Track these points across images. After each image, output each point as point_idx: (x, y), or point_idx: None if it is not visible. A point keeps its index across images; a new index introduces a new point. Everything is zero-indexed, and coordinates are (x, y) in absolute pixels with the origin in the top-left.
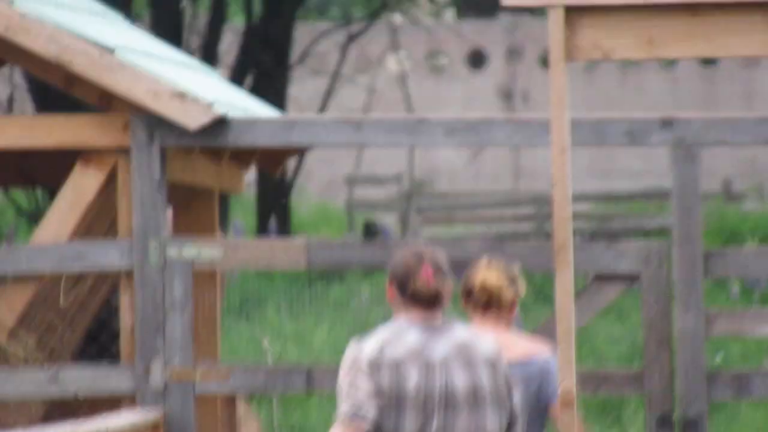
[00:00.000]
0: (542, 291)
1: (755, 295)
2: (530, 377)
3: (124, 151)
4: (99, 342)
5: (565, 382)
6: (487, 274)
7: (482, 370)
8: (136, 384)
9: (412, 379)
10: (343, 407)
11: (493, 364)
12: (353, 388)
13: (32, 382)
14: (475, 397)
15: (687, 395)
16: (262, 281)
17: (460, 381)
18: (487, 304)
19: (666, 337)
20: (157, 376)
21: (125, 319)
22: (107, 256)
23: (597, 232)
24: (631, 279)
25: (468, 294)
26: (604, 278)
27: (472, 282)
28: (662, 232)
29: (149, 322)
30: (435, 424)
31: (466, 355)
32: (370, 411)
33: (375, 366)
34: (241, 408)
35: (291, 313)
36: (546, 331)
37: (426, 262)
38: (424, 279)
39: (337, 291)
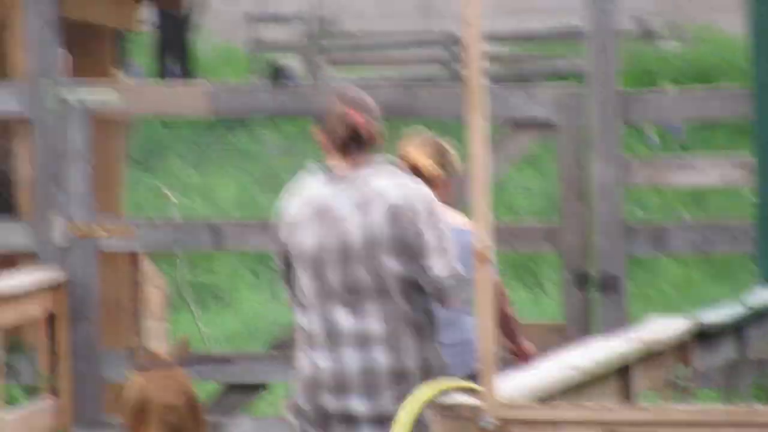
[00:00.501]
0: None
1: (674, 143)
2: (465, 246)
3: None
4: None
5: (481, 237)
6: (416, 153)
7: (384, 217)
8: (35, 241)
9: (310, 234)
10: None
11: (394, 208)
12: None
13: None
14: (373, 246)
15: (605, 251)
16: (163, 129)
17: (358, 232)
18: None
19: (582, 189)
20: (57, 232)
21: (21, 171)
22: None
23: (508, 75)
24: (546, 126)
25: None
26: (516, 125)
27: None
28: (575, 76)
29: (47, 173)
30: (335, 278)
31: (367, 203)
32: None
33: (282, 220)
34: (146, 266)
35: (195, 163)
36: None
37: (347, 99)
38: (348, 119)
39: (242, 140)
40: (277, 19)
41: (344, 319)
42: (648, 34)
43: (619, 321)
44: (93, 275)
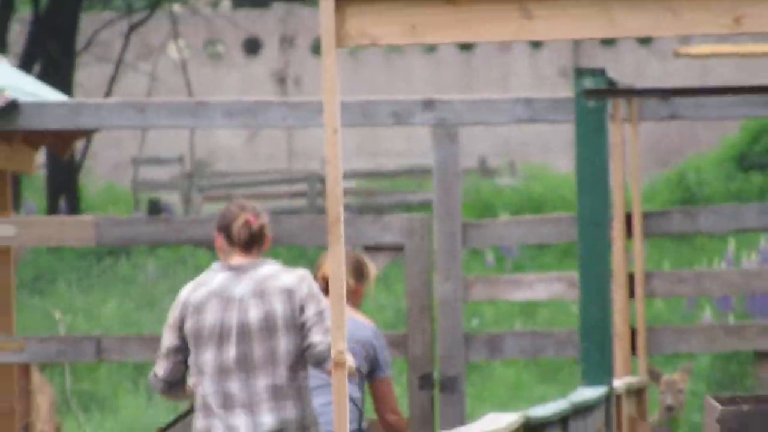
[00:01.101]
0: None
1: (508, 263)
2: (363, 341)
3: None
4: None
5: (338, 346)
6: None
7: (276, 299)
8: None
9: (210, 315)
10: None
11: (289, 293)
12: (161, 347)
13: None
14: (267, 325)
15: (446, 356)
16: (53, 258)
17: (254, 313)
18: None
19: (427, 304)
20: None
21: None
22: None
23: (364, 207)
24: (396, 250)
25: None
26: (371, 249)
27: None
28: (424, 207)
29: None
30: (232, 353)
31: (263, 289)
32: (159, 372)
33: (184, 306)
34: (36, 377)
35: (81, 287)
36: None
37: (247, 209)
38: (246, 220)
39: (124, 266)
40: (158, 161)
41: (237, 387)
42: (488, 172)
43: (458, 418)
44: None
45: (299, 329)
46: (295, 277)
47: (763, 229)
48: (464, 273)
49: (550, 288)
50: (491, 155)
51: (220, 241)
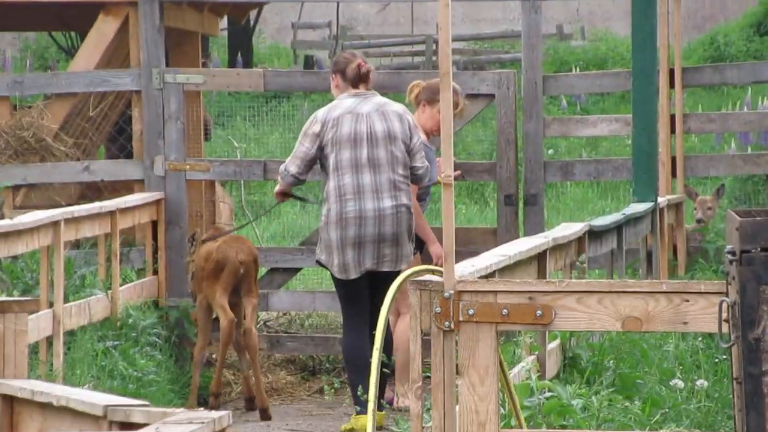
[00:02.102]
0: None
1: (578, 107)
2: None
3: (134, 4)
4: (118, 143)
5: (447, 171)
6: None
7: (393, 118)
8: (144, 173)
9: (347, 127)
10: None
11: (400, 117)
12: (296, 151)
13: (71, 171)
14: (389, 136)
15: (530, 179)
16: (233, 99)
17: (379, 126)
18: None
19: (513, 139)
20: (159, 167)
21: (136, 127)
22: (123, 80)
23: (468, 63)
24: (490, 96)
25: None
26: (471, 96)
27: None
28: (515, 63)
29: (153, 129)
30: (364, 153)
31: (383, 110)
32: (292, 169)
33: (324, 122)
34: (219, 190)
35: (253, 122)
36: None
37: (357, 56)
38: (358, 64)
39: (285, 107)
40: (311, 26)
41: (368, 179)
42: (563, 36)
43: (539, 225)
44: (183, 197)
45: (409, 150)
46: (402, 107)
47: None
48: (544, 114)
49: (610, 126)
50: (566, 22)
51: (336, 80)
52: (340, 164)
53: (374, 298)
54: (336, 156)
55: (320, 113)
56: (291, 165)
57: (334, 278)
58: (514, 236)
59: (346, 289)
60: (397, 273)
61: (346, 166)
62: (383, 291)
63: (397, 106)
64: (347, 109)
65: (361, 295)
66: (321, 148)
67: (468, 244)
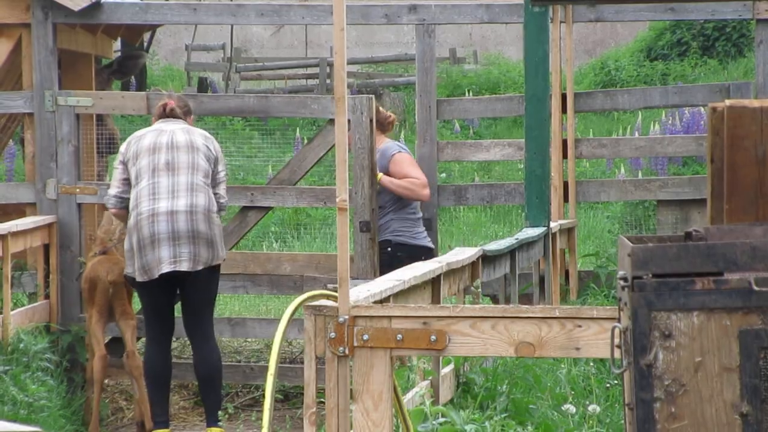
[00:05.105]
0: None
1: (470, 131)
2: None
3: (26, 26)
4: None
5: (342, 195)
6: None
7: (197, 135)
8: (36, 196)
9: (148, 139)
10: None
11: (205, 137)
12: (113, 178)
13: None
14: (191, 146)
15: (423, 203)
16: (125, 121)
17: (181, 136)
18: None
19: (367, 164)
20: (51, 190)
21: (28, 149)
22: (15, 102)
23: (362, 87)
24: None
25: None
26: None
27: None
28: (409, 87)
29: (45, 151)
30: (162, 157)
31: (188, 129)
32: (111, 191)
33: (128, 143)
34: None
35: None
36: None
37: (167, 96)
38: (164, 103)
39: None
40: (205, 48)
41: (164, 181)
42: (456, 59)
43: None
44: (75, 219)
45: (211, 170)
46: (208, 133)
47: (665, 106)
48: (438, 138)
49: (503, 151)
50: (459, 46)
51: (157, 111)
52: (140, 172)
53: (184, 305)
54: (136, 166)
55: (129, 138)
56: (111, 189)
57: (137, 289)
58: (370, 263)
59: (149, 297)
60: (198, 275)
61: (144, 172)
62: (189, 295)
63: (204, 132)
64: (151, 129)
65: (164, 303)
66: (125, 163)
67: (332, 271)
